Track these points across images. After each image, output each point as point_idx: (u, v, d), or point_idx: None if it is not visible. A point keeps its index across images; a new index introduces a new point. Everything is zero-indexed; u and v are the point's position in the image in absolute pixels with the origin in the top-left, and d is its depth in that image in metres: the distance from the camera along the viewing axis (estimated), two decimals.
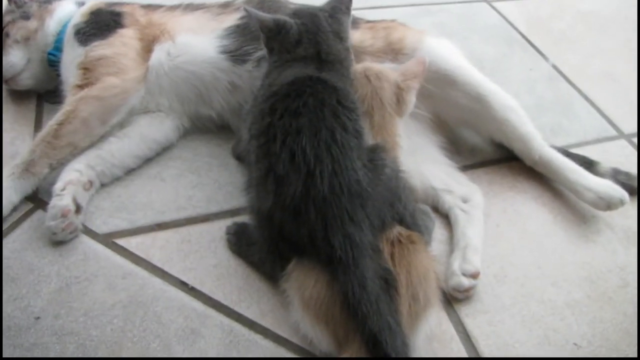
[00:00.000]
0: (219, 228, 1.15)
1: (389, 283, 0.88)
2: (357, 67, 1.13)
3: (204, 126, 1.37)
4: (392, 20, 1.38)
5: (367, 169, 0.95)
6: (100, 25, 1.32)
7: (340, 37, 1.11)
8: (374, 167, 0.96)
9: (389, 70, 1.15)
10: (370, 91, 1.09)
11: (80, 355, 0.94)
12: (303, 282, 0.91)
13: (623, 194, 1.18)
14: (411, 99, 1.13)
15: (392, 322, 0.84)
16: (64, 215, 1.09)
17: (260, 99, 1.05)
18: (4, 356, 0.93)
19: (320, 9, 1.13)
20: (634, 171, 1.32)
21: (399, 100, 1.11)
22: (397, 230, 0.95)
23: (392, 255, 0.92)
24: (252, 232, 1.06)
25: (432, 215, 1.17)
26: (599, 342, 1.02)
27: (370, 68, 1.13)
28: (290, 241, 0.93)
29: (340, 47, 1.10)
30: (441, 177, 1.23)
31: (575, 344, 1.02)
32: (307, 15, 1.11)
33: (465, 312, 1.05)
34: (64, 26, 1.37)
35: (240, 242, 1.10)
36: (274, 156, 0.93)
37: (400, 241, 0.93)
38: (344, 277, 0.86)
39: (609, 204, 1.19)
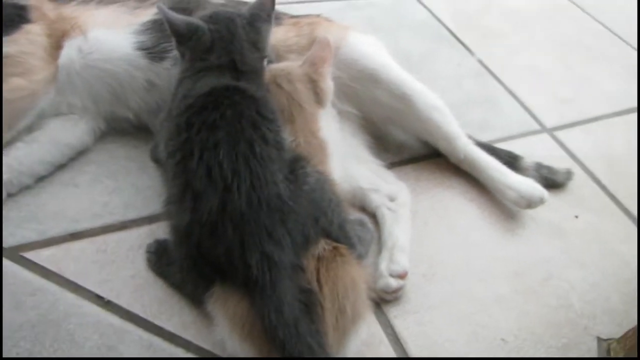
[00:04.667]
0: (137, 236, 1.09)
1: (310, 303, 0.85)
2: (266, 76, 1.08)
3: (121, 127, 1.29)
4: (317, 16, 1.35)
5: (289, 181, 0.91)
6: (3, 20, 1.22)
7: (257, 47, 1.05)
8: (295, 177, 0.92)
9: (294, 66, 1.11)
10: (286, 98, 1.06)
11: None
12: (227, 299, 0.87)
13: (543, 192, 1.21)
14: (328, 85, 1.10)
15: (313, 344, 0.80)
16: None
17: (175, 111, 0.99)
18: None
19: (239, 14, 1.06)
20: (556, 165, 1.35)
21: (317, 92, 1.08)
22: (322, 244, 0.91)
23: (317, 271, 0.88)
24: (172, 250, 1.00)
25: (370, 225, 1.12)
26: (525, 335, 1.04)
27: (278, 74, 1.08)
28: (209, 260, 0.88)
29: (256, 56, 1.04)
30: (368, 176, 1.21)
31: (502, 339, 1.03)
32: (223, 20, 1.03)
33: (394, 314, 1.04)
34: None
35: (161, 262, 1.04)
36: (191, 173, 0.89)
37: (325, 255, 0.90)
38: (260, 301, 0.82)
39: (530, 203, 1.21)
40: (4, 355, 0.90)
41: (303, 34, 1.26)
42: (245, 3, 1.17)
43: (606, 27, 2.05)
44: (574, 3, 2.17)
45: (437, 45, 1.82)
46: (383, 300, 1.04)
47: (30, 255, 1.04)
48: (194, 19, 1.04)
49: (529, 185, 1.22)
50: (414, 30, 1.86)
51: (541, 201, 1.20)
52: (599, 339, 1.05)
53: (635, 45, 1.97)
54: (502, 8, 2.10)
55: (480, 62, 1.77)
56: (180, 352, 0.94)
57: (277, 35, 1.23)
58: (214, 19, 1.04)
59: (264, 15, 1.07)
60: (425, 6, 2.01)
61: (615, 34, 2.02)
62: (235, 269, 0.84)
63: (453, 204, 1.26)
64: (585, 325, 1.07)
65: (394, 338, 1.00)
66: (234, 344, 0.86)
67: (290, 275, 0.85)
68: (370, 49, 1.28)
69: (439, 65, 1.73)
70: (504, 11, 2.08)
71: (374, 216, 1.18)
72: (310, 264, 0.88)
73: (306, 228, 0.90)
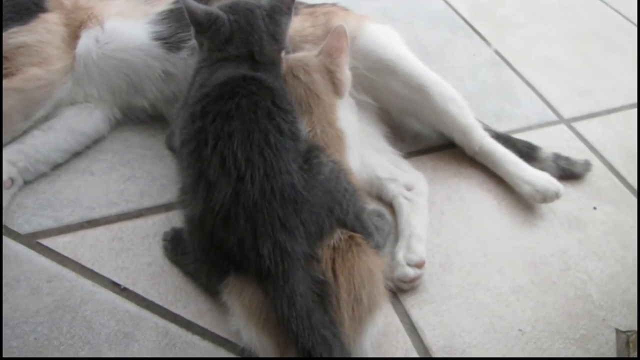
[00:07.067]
0: (153, 223, 1.10)
1: (324, 294, 0.84)
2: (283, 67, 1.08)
3: (137, 117, 1.29)
4: (333, 4, 1.34)
5: (304, 170, 0.90)
6: (19, 8, 1.21)
7: (276, 39, 1.05)
8: (310, 167, 0.91)
9: (311, 56, 1.10)
10: (304, 90, 1.05)
11: None
12: (242, 289, 0.86)
13: (559, 187, 1.19)
14: (345, 75, 1.10)
15: (327, 335, 0.80)
16: None
17: (191, 100, 0.99)
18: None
19: (259, 5, 1.05)
20: (574, 155, 1.34)
21: (335, 83, 1.07)
22: (338, 234, 0.90)
23: (333, 260, 0.87)
24: (186, 240, 1.00)
25: (388, 216, 1.10)
26: (542, 326, 1.03)
27: (295, 65, 1.07)
28: (223, 251, 0.88)
29: (274, 48, 1.04)
30: (385, 165, 1.20)
31: (520, 330, 1.02)
32: (242, 11, 1.03)
33: (411, 303, 1.03)
34: None
35: (176, 251, 1.04)
36: (205, 162, 0.89)
37: (340, 245, 0.89)
38: (273, 292, 0.82)
39: (545, 197, 1.19)
40: (23, 338, 0.90)
41: (319, 23, 1.25)
42: None
43: (624, 17, 2.02)
44: None
45: (453, 35, 1.80)
46: (400, 290, 1.04)
47: (46, 242, 1.05)
48: (214, 9, 1.03)
49: (545, 180, 1.20)
50: (429, 21, 1.85)
51: (556, 196, 1.18)
52: (618, 331, 1.03)
53: None
54: None
55: (497, 52, 1.75)
56: (196, 340, 0.94)
57: (293, 25, 1.21)
58: (234, 9, 1.04)
59: (284, 7, 1.06)
60: None
61: (634, 24, 1.98)
62: (248, 259, 0.84)
63: (470, 195, 1.25)
64: (604, 317, 1.06)
65: (411, 327, 1.00)
66: (251, 335, 0.86)
67: (304, 265, 0.84)
68: (387, 39, 1.26)
69: (455, 55, 1.71)
70: (518, 1, 2.05)
71: (391, 206, 1.17)
72: (325, 254, 0.88)
73: (320, 218, 0.89)
